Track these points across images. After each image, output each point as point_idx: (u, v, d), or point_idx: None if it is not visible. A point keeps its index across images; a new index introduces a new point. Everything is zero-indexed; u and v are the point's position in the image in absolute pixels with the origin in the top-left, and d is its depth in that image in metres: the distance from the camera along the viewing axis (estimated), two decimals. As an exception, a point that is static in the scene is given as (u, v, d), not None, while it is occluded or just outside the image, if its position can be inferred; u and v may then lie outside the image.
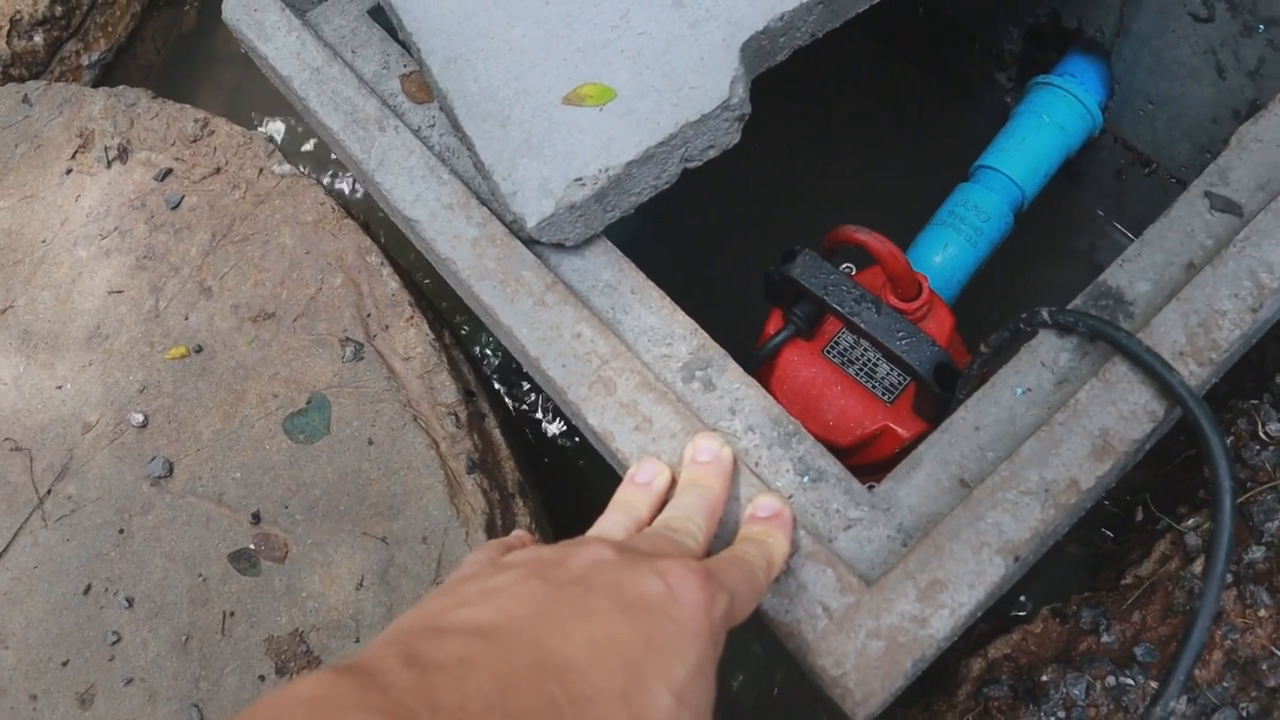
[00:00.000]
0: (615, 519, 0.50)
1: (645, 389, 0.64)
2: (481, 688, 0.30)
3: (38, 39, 1.47)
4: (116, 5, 1.59)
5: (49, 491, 0.92)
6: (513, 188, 0.69)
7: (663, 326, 0.67)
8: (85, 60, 1.55)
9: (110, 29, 1.58)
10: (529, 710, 0.30)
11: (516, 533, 0.55)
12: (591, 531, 0.49)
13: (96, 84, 1.53)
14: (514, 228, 0.71)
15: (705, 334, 0.67)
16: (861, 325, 0.72)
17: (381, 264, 0.91)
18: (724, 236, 1.27)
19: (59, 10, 1.48)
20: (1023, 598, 1.01)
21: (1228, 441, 0.65)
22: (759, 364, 0.83)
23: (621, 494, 0.54)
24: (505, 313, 0.69)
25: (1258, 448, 0.78)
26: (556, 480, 1.20)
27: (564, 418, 1.27)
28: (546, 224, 0.68)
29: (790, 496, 0.60)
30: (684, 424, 0.62)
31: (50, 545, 0.89)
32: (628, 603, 0.36)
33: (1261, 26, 0.85)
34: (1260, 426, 0.79)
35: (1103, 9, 0.98)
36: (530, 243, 0.71)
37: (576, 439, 1.25)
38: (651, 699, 0.33)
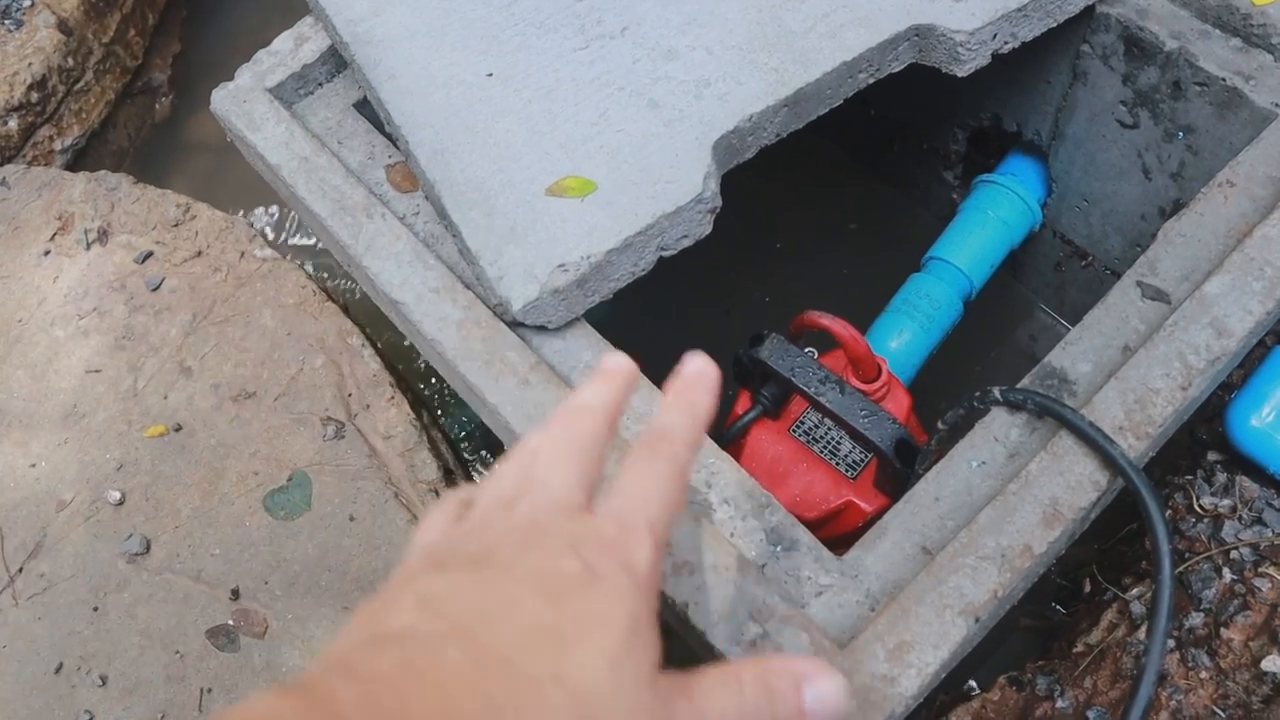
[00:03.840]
0: (568, 470, 0.42)
1: (626, 463, 0.67)
2: (421, 695, 0.31)
3: (12, 124, 1.50)
4: (91, 93, 1.63)
5: (20, 570, 0.92)
6: (499, 273, 0.74)
7: (641, 405, 0.71)
8: (58, 145, 1.57)
9: (84, 115, 1.62)
10: (468, 709, 0.31)
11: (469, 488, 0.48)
12: (548, 486, 0.41)
13: (68, 169, 1.55)
14: (498, 311, 0.75)
15: (681, 411, 0.71)
16: (826, 404, 0.77)
17: (363, 345, 0.94)
18: (687, 322, 1.32)
19: (35, 97, 1.52)
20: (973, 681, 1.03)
21: (1166, 513, 0.70)
22: (728, 442, 0.87)
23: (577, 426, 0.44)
24: (491, 391, 0.72)
25: (1193, 520, 0.83)
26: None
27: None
28: (531, 307, 0.72)
29: (764, 565, 0.64)
30: (663, 496, 0.65)
31: (21, 624, 0.89)
32: (550, 590, 0.36)
33: (1180, 134, 0.93)
34: (1195, 500, 0.84)
35: (1040, 114, 1.06)
36: (514, 325, 0.75)
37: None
38: (585, 670, 0.34)
